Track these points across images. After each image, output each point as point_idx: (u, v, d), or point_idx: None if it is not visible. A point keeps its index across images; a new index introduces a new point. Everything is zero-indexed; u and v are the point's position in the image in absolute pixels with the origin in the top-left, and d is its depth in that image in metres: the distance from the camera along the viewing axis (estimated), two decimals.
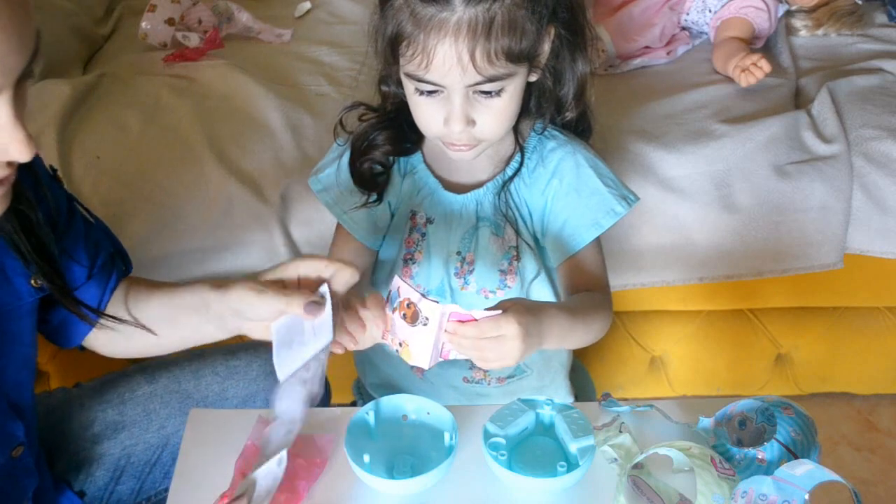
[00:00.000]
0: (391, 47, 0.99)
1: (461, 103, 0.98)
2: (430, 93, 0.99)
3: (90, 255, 1.02)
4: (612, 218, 1.10)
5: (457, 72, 0.95)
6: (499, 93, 0.99)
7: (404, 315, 0.89)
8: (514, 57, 0.97)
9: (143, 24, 1.77)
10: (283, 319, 0.88)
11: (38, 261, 0.90)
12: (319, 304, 0.87)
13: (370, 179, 1.13)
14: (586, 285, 1.12)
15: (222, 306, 0.92)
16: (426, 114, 1.02)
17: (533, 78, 1.05)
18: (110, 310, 1.03)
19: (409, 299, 0.89)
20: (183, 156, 1.52)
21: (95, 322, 1.01)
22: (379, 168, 1.13)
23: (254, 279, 0.90)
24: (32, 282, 0.92)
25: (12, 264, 0.90)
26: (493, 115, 1.01)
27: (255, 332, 0.93)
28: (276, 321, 0.88)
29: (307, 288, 0.90)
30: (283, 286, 0.89)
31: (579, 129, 1.15)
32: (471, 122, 1.00)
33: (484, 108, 1.00)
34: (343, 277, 0.90)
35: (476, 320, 0.88)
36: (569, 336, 1.02)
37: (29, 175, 0.91)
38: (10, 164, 0.73)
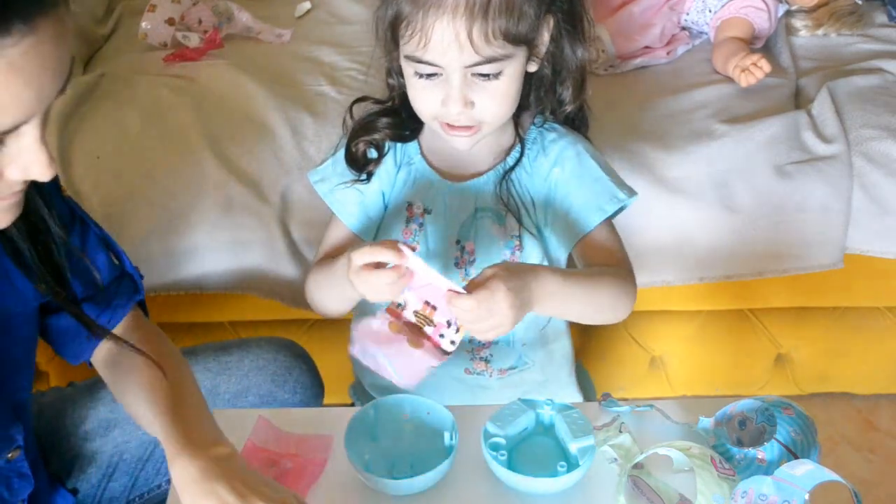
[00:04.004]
0: (391, 30, 1.01)
1: (459, 85, 0.99)
2: (429, 76, 1.00)
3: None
4: (615, 204, 1.10)
5: (454, 51, 0.96)
6: (497, 75, 1.00)
7: (424, 317, 0.93)
8: (511, 38, 0.98)
9: (143, 24, 1.77)
10: None
11: (41, 269, 0.89)
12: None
13: (362, 160, 1.14)
14: (602, 263, 1.11)
15: None
16: (424, 97, 1.03)
17: (532, 68, 1.06)
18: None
19: (424, 302, 0.92)
20: (183, 156, 1.52)
21: (104, 335, 0.99)
22: (373, 151, 1.14)
23: None
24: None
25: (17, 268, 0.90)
26: (492, 98, 1.02)
27: None
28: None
29: None
30: None
31: (577, 125, 1.16)
32: (469, 104, 1.01)
33: (482, 90, 1.01)
34: None
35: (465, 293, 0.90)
36: (568, 301, 1.02)
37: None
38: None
